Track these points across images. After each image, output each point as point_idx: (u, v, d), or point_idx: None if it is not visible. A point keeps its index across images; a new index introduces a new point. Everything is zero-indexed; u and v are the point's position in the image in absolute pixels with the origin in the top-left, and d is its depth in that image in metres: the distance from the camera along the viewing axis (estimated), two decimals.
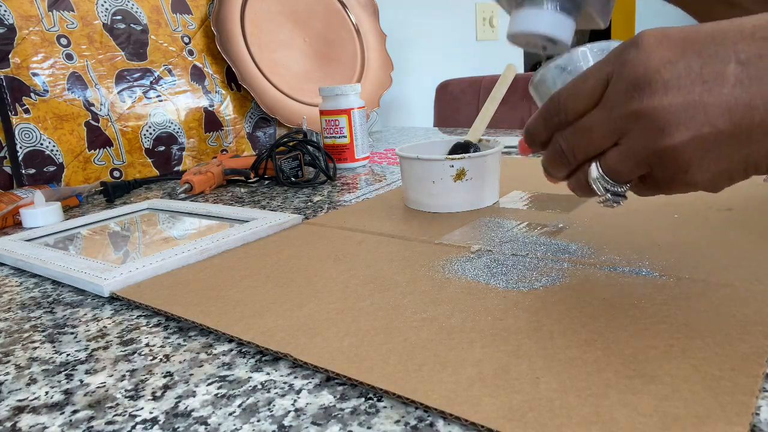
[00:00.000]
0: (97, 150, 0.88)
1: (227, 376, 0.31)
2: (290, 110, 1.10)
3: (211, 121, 1.03)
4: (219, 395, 0.29)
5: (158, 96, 0.96)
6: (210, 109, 1.03)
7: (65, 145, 0.85)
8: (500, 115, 1.34)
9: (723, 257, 0.41)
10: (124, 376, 0.32)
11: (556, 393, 0.26)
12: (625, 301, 0.35)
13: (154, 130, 0.95)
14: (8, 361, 0.34)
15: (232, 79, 1.07)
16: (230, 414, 0.27)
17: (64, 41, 0.87)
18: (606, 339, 0.30)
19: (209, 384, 0.30)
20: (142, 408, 0.28)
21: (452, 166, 0.57)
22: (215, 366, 0.32)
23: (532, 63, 3.93)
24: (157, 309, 0.40)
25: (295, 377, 0.30)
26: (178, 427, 0.27)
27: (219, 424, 0.27)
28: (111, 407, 0.29)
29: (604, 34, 4.82)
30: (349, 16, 1.28)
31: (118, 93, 0.91)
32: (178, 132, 0.98)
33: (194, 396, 0.29)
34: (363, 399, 0.28)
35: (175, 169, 0.98)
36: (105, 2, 0.92)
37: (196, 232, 0.60)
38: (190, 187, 0.77)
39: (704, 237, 0.45)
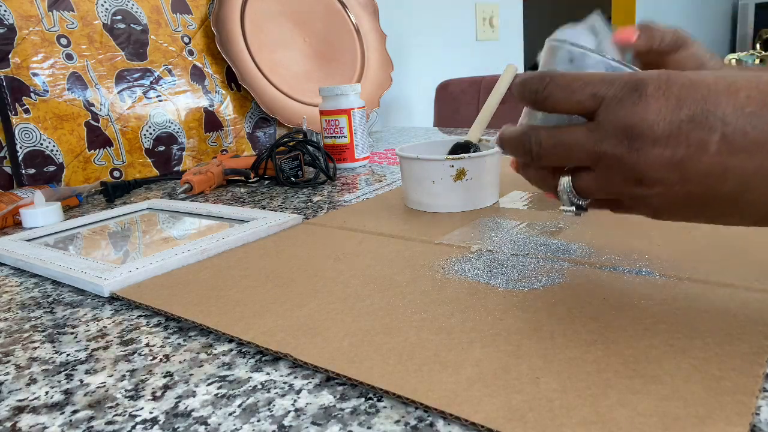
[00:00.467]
0: (97, 150, 0.88)
1: (227, 376, 0.31)
2: (290, 110, 1.10)
3: (211, 121, 1.03)
4: (219, 395, 0.29)
5: (158, 96, 0.96)
6: (210, 109, 1.03)
7: (65, 145, 0.85)
8: (500, 116, 1.34)
9: (722, 258, 0.41)
10: (124, 376, 0.32)
11: (556, 393, 0.26)
12: (625, 301, 0.35)
13: (154, 130, 0.95)
14: (8, 361, 0.34)
15: (232, 79, 1.07)
16: (230, 414, 0.27)
17: (64, 41, 0.87)
18: (606, 339, 0.30)
19: (209, 384, 0.30)
20: (142, 408, 0.28)
21: (452, 166, 0.57)
22: (215, 366, 0.32)
23: (533, 63, 3.93)
24: (157, 309, 0.40)
25: (295, 377, 0.30)
26: (178, 427, 0.27)
27: (219, 424, 0.27)
28: (111, 407, 0.29)
29: None
30: (349, 16, 1.28)
31: (118, 93, 0.91)
32: (178, 132, 0.98)
33: (194, 396, 0.29)
34: (363, 399, 0.28)
35: (175, 169, 0.98)
36: (105, 2, 0.92)
37: (196, 232, 0.60)
38: (190, 187, 0.77)
39: (703, 237, 0.45)
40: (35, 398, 0.30)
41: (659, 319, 0.32)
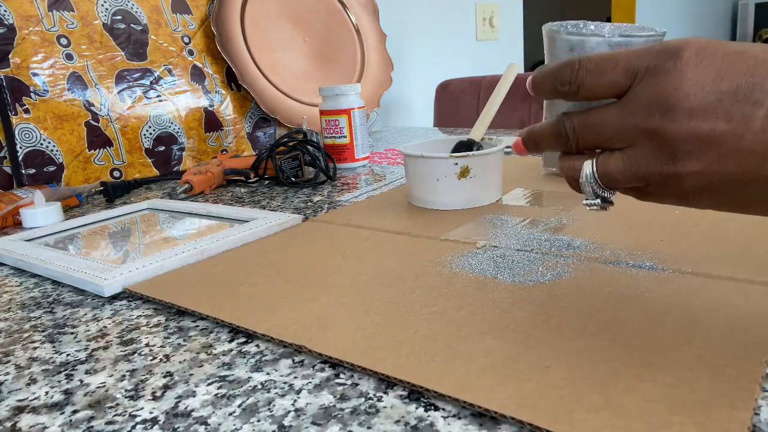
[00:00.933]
0: (97, 150, 0.88)
1: (227, 376, 0.31)
2: (290, 110, 1.10)
3: (211, 121, 1.03)
4: (219, 395, 0.29)
5: (158, 96, 0.96)
6: (210, 109, 1.03)
7: (65, 145, 0.85)
8: (501, 115, 1.34)
9: (725, 251, 0.41)
10: (124, 376, 0.32)
11: (565, 381, 0.27)
12: (629, 294, 0.35)
13: (154, 130, 0.95)
14: (8, 361, 0.34)
15: (232, 79, 1.07)
16: (230, 414, 0.27)
17: (64, 41, 0.86)
18: (612, 330, 0.31)
19: (209, 384, 0.30)
20: (142, 408, 0.28)
21: (456, 164, 0.57)
22: (215, 366, 0.32)
23: (533, 63, 3.93)
24: (170, 304, 0.40)
25: (295, 377, 0.30)
26: (178, 427, 0.27)
27: (219, 424, 0.27)
28: (111, 407, 0.29)
29: None
30: (349, 16, 1.28)
31: (118, 93, 0.91)
32: (178, 132, 0.98)
33: (194, 396, 0.29)
34: (363, 399, 0.28)
35: (175, 169, 0.98)
36: (105, 2, 0.92)
37: (196, 232, 0.60)
38: (190, 187, 0.77)
39: (706, 231, 0.45)
40: (35, 398, 0.30)
41: (663, 311, 0.33)
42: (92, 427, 0.27)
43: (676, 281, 0.37)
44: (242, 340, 0.35)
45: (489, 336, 0.31)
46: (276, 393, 0.29)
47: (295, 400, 0.28)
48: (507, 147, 0.97)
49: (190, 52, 1.02)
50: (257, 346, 0.34)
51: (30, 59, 0.83)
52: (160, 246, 0.55)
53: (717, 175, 0.25)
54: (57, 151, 0.84)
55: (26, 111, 0.82)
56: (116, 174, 0.90)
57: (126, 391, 0.30)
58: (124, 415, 0.28)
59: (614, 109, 0.27)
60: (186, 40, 1.02)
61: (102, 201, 0.80)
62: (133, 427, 0.27)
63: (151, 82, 0.95)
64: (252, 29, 1.09)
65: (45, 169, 0.83)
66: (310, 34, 1.19)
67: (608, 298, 0.35)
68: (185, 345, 0.35)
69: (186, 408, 0.28)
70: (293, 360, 0.32)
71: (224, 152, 1.05)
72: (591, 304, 0.34)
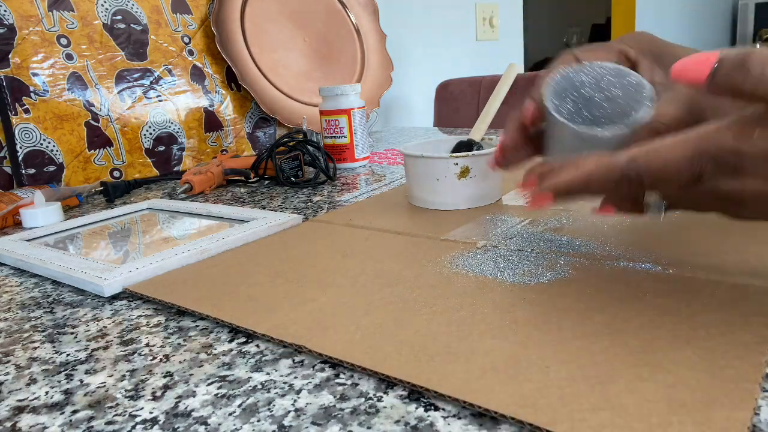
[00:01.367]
0: (97, 150, 0.88)
1: (227, 376, 0.31)
2: (290, 110, 1.10)
3: (211, 121, 1.03)
4: (219, 395, 0.29)
5: (158, 96, 0.96)
6: (210, 109, 1.03)
7: (65, 145, 0.85)
8: (501, 115, 1.34)
9: (725, 252, 0.41)
10: (124, 376, 0.32)
11: (565, 381, 0.27)
12: (630, 294, 0.35)
13: (154, 130, 0.95)
14: (8, 361, 0.34)
15: (232, 79, 1.07)
16: (230, 414, 0.27)
17: (64, 41, 0.86)
18: (612, 330, 0.31)
19: (209, 384, 0.30)
20: (142, 408, 0.28)
21: (456, 164, 0.57)
22: (215, 366, 0.32)
23: (533, 63, 3.93)
24: (170, 303, 0.40)
25: (295, 377, 0.30)
26: (178, 427, 0.27)
27: (219, 424, 0.27)
28: (111, 407, 0.29)
29: (604, 30, 4.82)
30: (349, 16, 1.28)
31: (118, 93, 0.91)
32: (178, 132, 0.98)
33: (194, 396, 0.29)
34: (363, 399, 0.28)
35: (175, 169, 0.98)
36: (105, 2, 0.92)
37: (196, 232, 0.60)
38: (190, 187, 0.77)
39: (706, 232, 0.45)
40: (35, 398, 0.30)
41: (663, 310, 0.33)
42: (92, 427, 0.27)
43: (676, 281, 0.37)
44: (242, 340, 0.35)
45: (489, 336, 0.31)
46: (276, 393, 0.29)
47: (295, 400, 0.28)
48: None
49: (190, 52, 1.02)
50: (257, 346, 0.34)
51: (30, 59, 0.83)
52: (160, 246, 0.55)
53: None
54: (57, 151, 0.84)
55: (26, 111, 0.82)
56: (116, 174, 0.90)
57: (126, 391, 0.30)
58: (124, 415, 0.28)
59: (685, 139, 0.28)
60: (186, 40, 1.02)
61: (102, 201, 0.80)
62: (133, 427, 0.27)
63: (151, 82, 0.96)
64: (252, 29, 1.09)
65: (45, 169, 0.83)
66: (310, 34, 1.19)
67: (608, 297, 0.35)
68: (185, 345, 0.35)
69: (186, 408, 0.28)
70: (293, 360, 0.32)
71: (224, 152, 1.05)
72: (591, 304, 0.34)
